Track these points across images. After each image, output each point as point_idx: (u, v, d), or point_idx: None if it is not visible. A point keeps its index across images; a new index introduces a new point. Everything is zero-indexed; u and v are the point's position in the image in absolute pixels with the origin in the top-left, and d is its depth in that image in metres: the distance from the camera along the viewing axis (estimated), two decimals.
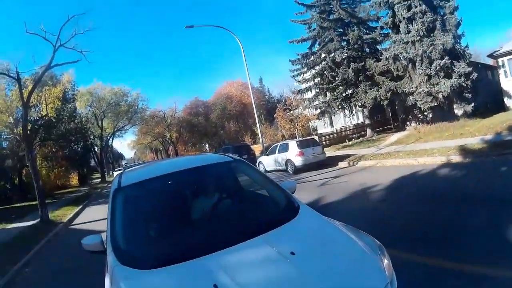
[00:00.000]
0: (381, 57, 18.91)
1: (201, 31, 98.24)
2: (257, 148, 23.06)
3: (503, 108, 17.38)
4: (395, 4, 17.06)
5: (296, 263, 1.68)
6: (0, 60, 15.34)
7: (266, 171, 14.04)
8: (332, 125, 28.78)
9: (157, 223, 2.57)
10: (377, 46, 21.03)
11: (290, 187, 2.77)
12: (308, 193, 7.30)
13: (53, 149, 24.84)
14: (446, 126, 14.90)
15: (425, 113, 18.20)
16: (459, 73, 15.46)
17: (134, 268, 1.81)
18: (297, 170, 12.47)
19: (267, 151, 15.31)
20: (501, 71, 18.35)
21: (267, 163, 14.56)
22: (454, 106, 17.28)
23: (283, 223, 2.10)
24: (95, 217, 9.74)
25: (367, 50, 20.93)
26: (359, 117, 25.89)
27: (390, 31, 18.63)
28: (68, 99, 25.32)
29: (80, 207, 13.35)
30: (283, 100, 35.71)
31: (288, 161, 12.95)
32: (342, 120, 27.40)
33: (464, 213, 4.43)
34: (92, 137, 35.80)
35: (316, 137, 19.42)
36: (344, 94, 20.68)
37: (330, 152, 16.32)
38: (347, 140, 21.36)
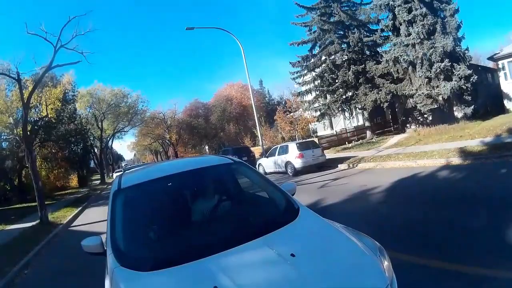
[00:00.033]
0: (381, 60, 18.94)
1: (202, 33, 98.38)
2: (257, 150, 23.02)
3: (503, 110, 17.40)
4: (395, 7, 17.12)
5: (296, 264, 1.68)
6: (1, 60, 15.48)
7: (266, 173, 14.04)
8: (332, 128, 28.76)
9: (157, 224, 2.56)
10: (378, 49, 21.04)
11: (290, 189, 2.76)
12: (308, 195, 7.30)
13: (53, 150, 24.78)
14: (446, 129, 14.90)
15: (425, 116, 18.23)
16: (459, 75, 15.48)
17: (134, 270, 1.80)
18: (297, 172, 12.47)
19: (267, 153, 15.32)
20: (501, 73, 18.41)
21: (267, 165, 14.57)
22: (454, 109, 17.31)
23: (283, 225, 2.10)
24: (94, 219, 9.71)
25: (368, 52, 20.95)
26: (359, 120, 25.88)
27: (390, 33, 18.66)
28: (68, 100, 25.29)
29: (80, 208, 13.31)
30: (283, 102, 35.75)
31: (288, 163, 12.95)
32: (342, 123, 27.41)
33: (464, 214, 4.43)
34: (92, 138, 35.77)
35: (316, 139, 19.46)
36: (344, 97, 20.68)
37: (330, 154, 16.31)
38: (347, 142, 21.34)
